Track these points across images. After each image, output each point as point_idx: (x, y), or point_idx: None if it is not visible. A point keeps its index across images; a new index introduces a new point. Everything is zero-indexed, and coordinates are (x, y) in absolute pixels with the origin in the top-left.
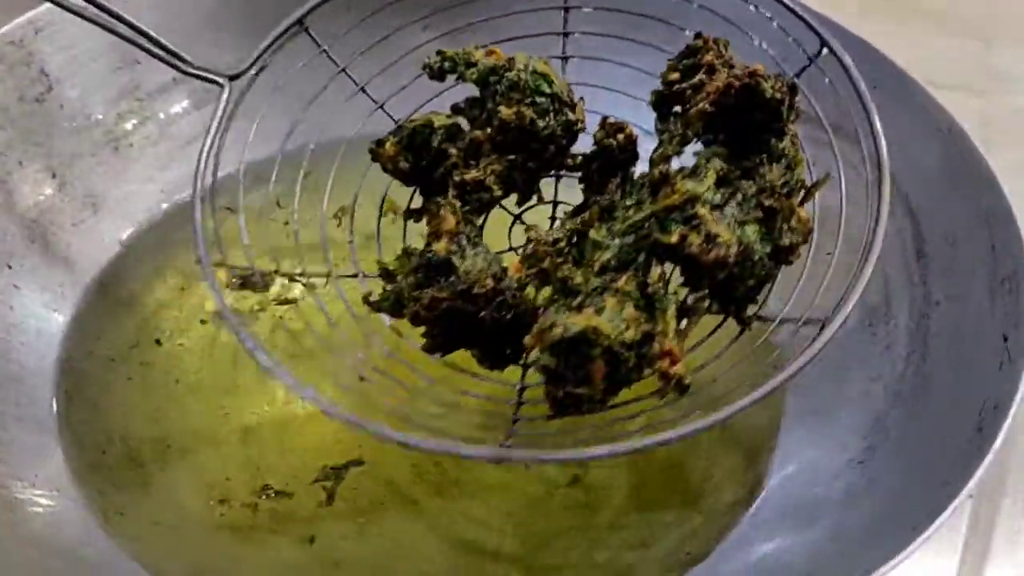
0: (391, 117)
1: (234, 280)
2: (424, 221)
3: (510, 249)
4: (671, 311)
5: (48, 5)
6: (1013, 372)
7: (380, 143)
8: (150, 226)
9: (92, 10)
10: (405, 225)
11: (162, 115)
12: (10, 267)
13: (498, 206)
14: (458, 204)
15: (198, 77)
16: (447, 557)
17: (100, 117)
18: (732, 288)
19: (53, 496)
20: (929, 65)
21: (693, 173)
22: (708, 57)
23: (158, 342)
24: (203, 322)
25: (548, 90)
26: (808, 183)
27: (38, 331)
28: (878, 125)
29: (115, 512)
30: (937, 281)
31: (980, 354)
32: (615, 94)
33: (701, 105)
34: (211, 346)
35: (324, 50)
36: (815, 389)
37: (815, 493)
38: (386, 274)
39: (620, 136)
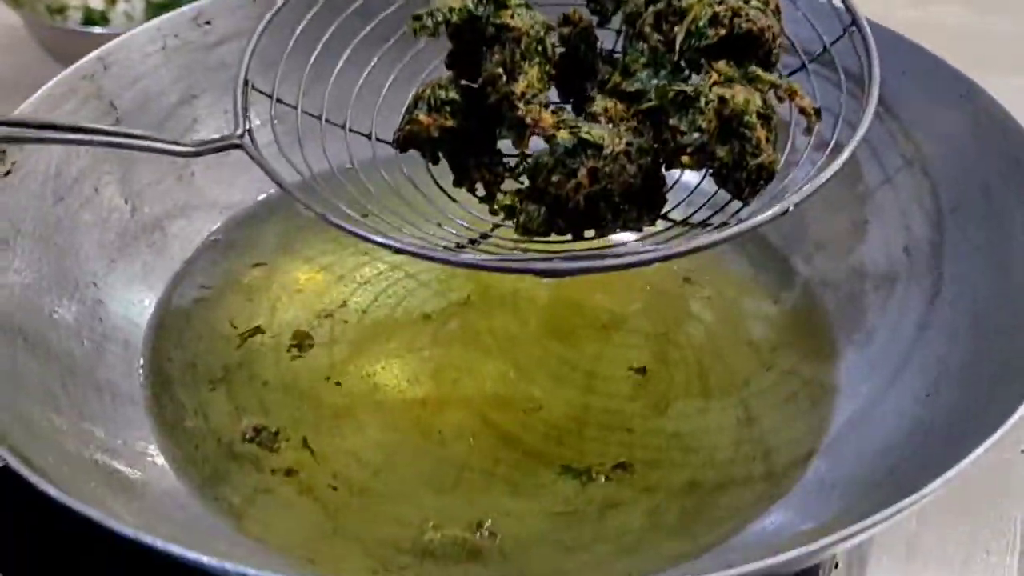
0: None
1: None
2: (476, 184)
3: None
4: (760, 70)
5: (117, 41)
6: None
7: (413, 121)
8: (214, 243)
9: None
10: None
11: None
12: (95, 285)
13: None
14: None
15: (214, 151)
16: None
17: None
18: (770, 54)
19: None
20: None
21: None
22: None
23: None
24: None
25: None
26: None
27: (125, 342)
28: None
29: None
30: (974, 228)
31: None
32: None
33: None
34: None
35: (278, 99)
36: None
37: None
38: (509, 210)
39: (583, 21)
